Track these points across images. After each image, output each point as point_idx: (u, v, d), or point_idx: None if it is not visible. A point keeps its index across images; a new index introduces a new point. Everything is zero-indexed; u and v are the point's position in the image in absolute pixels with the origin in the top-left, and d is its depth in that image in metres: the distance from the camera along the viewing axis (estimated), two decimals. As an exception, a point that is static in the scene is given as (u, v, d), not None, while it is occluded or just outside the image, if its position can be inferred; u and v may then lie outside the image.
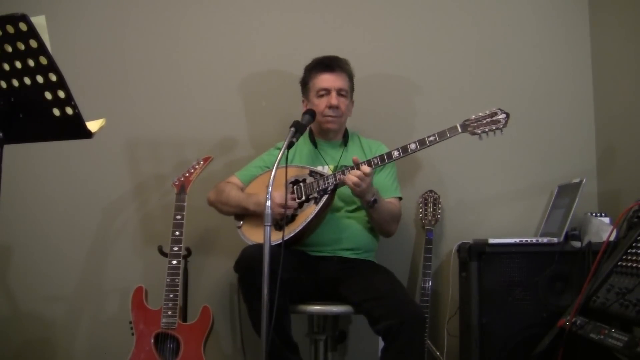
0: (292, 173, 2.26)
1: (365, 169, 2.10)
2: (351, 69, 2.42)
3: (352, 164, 2.17)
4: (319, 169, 2.32)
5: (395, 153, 2.15)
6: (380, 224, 2.32)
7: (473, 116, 2.15)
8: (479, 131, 2.13)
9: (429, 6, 2.86)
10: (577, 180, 2.46)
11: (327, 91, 2.35)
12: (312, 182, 2.25)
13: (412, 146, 2.14)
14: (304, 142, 2.45)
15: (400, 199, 2.42)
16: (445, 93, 2.79)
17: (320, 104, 2.35)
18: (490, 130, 2.13)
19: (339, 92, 2.36)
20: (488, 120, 2.13)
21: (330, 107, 2.34)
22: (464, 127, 2.14)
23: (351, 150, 2.45)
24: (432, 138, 2.13)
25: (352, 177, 2.10)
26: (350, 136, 2.49)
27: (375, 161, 2.16)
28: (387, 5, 2.87)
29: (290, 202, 2.18)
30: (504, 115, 2.13)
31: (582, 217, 2.44)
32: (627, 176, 2.51)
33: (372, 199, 2.18)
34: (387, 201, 2.32)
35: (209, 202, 2.44)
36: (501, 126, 2.13)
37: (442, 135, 2.13)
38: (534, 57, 2.81)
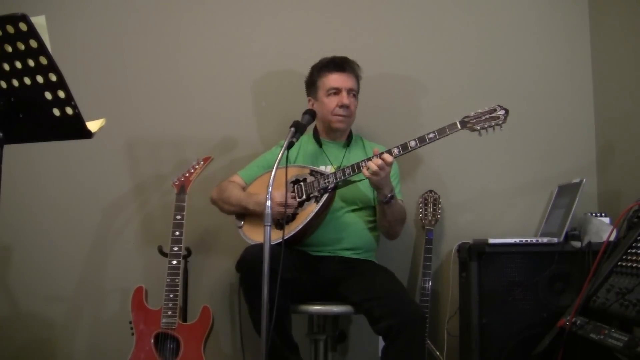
0: (293, 172, 2.26)
1: (388, 157, 2.10)
2: (359, 72, 2.43)
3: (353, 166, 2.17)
4: (321, 168, 2.32)
5: (395, 151, 2.15)
6: (391, 223, 2.31)
7: (472, 113, 2.14)
8: (479, 127, 2.13)
9: (429, 6, 2.86)
10: (577, 180, 2.46)
11: (338, 90, 2.35)
12: (312, 181, 2.25)
13: (412, 143, 2.13)
14: (308, 140, 2.46)
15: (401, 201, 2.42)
16: (445, 93, 2.79)
17: (330, 103, 2.36)
18: (489, 126, 2.12)
19: (349, 92, 2.36)
20: (487, 116, 2.13)
21: (342, 106, 2.34)
22: (464, 123, 2.13)
23: (353, 151, 2.45)
24: (431, 135, 2.12)
25: (371, 165, 2.09)
26: (354, 138, 2.49)
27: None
28: (387, 5, 2.87)
29: (290, 201, 2.17)
30: (503, 112, 2.13)
31: (582, 217, 2.44)
32: (627, 176, 2.51)
33: (390, 194, 2.18)
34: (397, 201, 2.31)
35: (212, 201, 2.44)
36: (500, 122, 2.12)
37: (441, 132, 2.12)
38: (534, 57, 2.81)
